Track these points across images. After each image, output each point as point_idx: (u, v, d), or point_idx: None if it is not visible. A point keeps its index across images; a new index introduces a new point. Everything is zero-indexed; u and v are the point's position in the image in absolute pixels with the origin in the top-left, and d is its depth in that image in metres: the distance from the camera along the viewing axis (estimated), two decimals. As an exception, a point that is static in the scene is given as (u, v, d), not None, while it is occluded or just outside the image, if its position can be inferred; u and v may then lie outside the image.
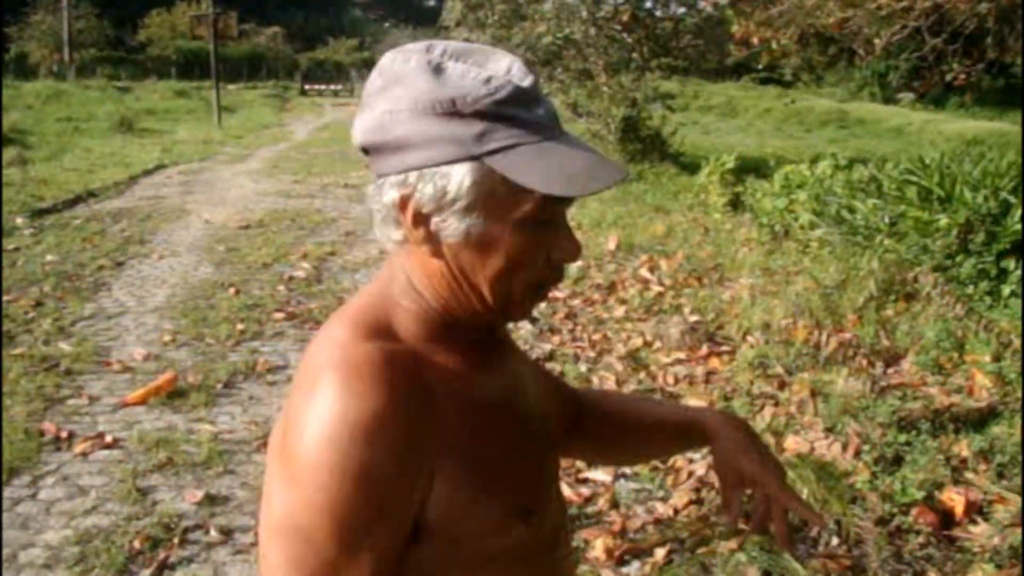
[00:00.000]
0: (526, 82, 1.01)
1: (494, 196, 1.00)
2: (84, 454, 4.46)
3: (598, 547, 3.53)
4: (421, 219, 1.02)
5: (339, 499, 0.95)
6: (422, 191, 1.00)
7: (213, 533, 3.72)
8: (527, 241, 1.03)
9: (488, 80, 0.99)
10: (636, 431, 1.47)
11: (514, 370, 1.23)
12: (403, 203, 1.02)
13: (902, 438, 4.21)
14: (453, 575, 1.07)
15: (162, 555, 3.54)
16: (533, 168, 0.97)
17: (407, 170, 1.00)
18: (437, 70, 1.00)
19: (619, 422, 1.47)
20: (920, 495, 3.70)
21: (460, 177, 0.98)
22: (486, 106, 0.98)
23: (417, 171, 1.00)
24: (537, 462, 1.17)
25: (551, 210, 1.03)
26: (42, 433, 4.67)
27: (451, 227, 1.01)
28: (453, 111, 0.98)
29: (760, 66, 14.24)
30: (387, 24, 73.56)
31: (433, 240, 1.04)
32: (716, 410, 1.49)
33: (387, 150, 1.02)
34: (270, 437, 1.07)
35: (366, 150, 1.05)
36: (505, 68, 1.01)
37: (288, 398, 1.04)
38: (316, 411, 0.96)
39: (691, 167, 14.44)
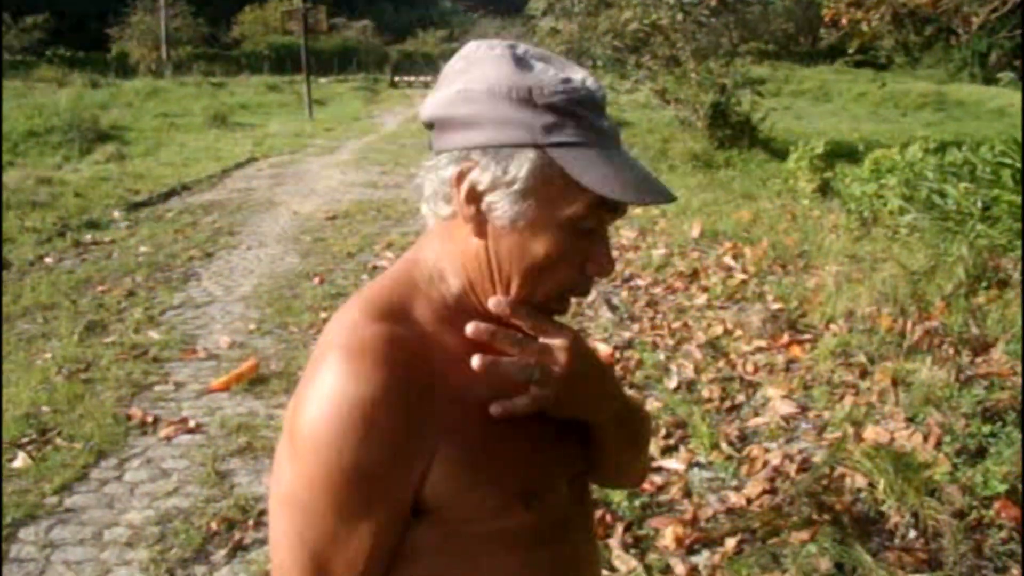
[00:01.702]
0: (599, 93, 1.05)
1: (550, 188, 1.02)
2: (168, 438, 4.60)
3: (668, 535, 3.51)
4: (474, 196, 1.05)
5: (337, 474, 0.98)
6: (483, 168, 1.03)
7: (288, 517, 3.80)
8: (568, 242, 1.05)
9: (567, 80, 1.03)
10: None
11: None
12: (460, 178, 1.05)
13: (986, 429, 4.08)
14: (452, 554, 1.09)
15: (237, 536, 3.64)
16: (593, 169, 1.00)
17: (472, 147, 1.03)
18: (520, 62, 1.04)
19: None
20: (1003, 488, 3.58)
21: (522, 161, 1.02)
22: (560, 101, 1.01)
23: (481, 149, 1.03)
24: (545, 448, 1.16)
25: (598, 217, 1.06)
26: (129, 418, 4.83)
27: (501, 208, 1.04)
28: (528, 99, 1.01)
29: (850, 49, 13.87)
30: (475, 15, 73.85)
31: (480, 220, 1.06)
32: None
33: (454, 126, 1.05)
34: (286, 409, 1.10)
35: (431, 124, 1.09)
36: (582, 76, 1.06)
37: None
38: (319, 388, 1.00)
39: (781, 153, 14.16)
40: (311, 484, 1.00)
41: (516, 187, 1.02)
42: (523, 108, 1.01)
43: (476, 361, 1.05)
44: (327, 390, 0.99)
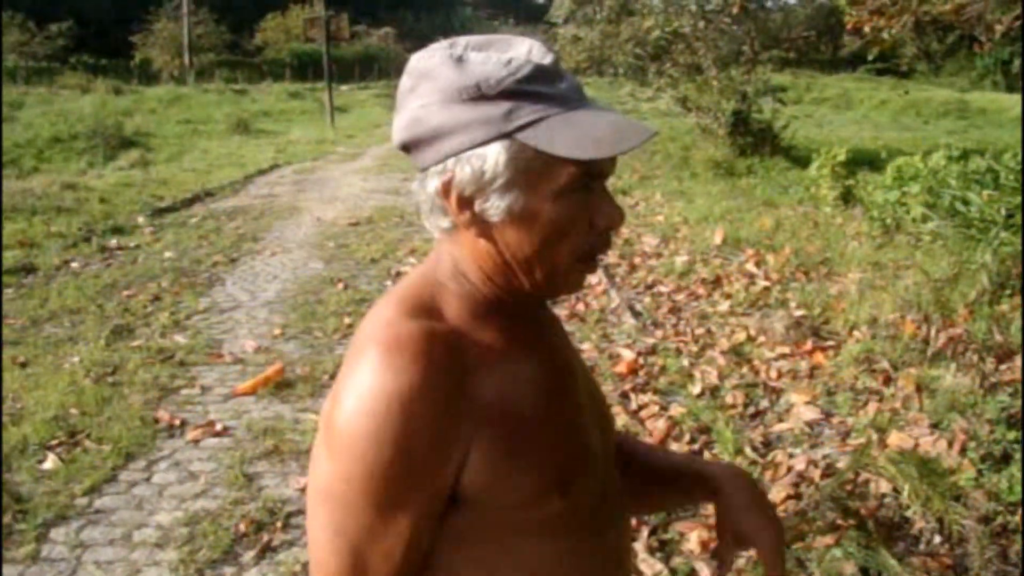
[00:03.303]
0: (546, 60, 1.05)
1: (530, 170, 1.03)
2: (195, 441, 4.65)
3: (693, 539, 3.51)
4: (465, 202, 1.07)
5: (376, 467, 0.99)
6: (461, 174, 1.04)
7: (315, 519, 3.83)
8: (567, 209, 1.06)
9: (509, 62, 1.03)
10: (661, 479, 1.46)
11: (561, 349, 1.24)
12: (445, 189, 1.07)
13: (1011, 435, 4.07)
14: (490, 542, 1.10)
15: (265, 538, 3.67)
16: (562, 137, 1.01)
17: (445, 158, 1.05)
18: (460, 61, 1.04)
19: (648, 469, 1.46)
20: (1029, 493, 3.58)
21: (495, 156, 1.02)
22: (509, 85, 1.02)
23: (454, 157, 1.04)
24: (580, 437, 1.18)
25: (587, 178, 1.06)
26: (157, 421, 4.88)
27: (494, 206, 1.05)
28: (479, 95, 1.02)
29: (871, 57, 13.82)
30: (496, 22, 74.05)
31: (479, 221, 1.08)
32: (725, 464, 1.46)
33: (424, 143, 1.06)
34: (323, 406, 1.12)
35: (406, 148, 1.10)
36: (525, 50, 1.06)
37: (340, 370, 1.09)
38: (357, 383, 1.01)
39: (802, 160, 14.13)
40: (349, 479, 1.00)
41: (499, 182, 1.03)
42: (478, 105, 1.02)
43: None
44: (365, 385, 1.00)
